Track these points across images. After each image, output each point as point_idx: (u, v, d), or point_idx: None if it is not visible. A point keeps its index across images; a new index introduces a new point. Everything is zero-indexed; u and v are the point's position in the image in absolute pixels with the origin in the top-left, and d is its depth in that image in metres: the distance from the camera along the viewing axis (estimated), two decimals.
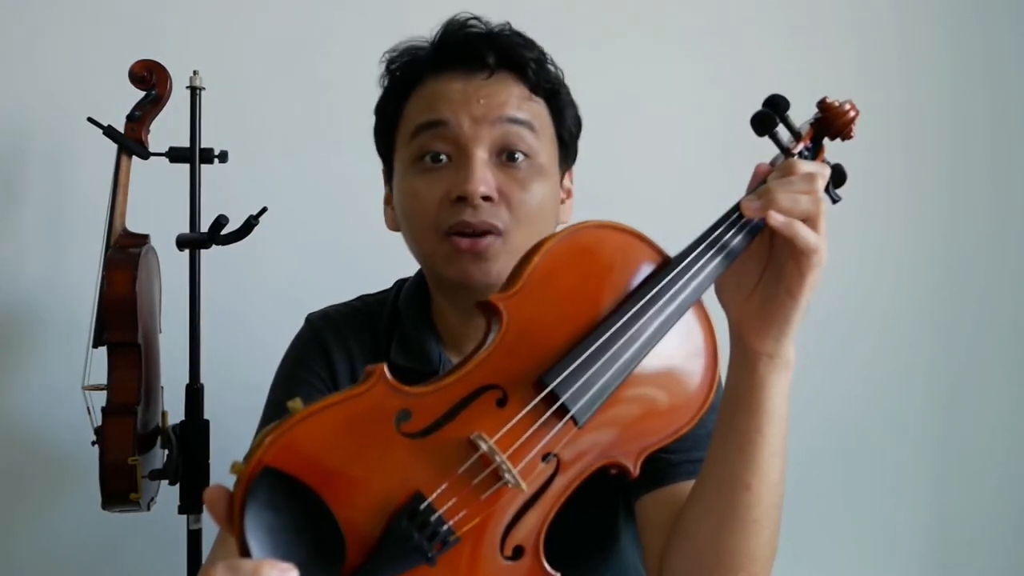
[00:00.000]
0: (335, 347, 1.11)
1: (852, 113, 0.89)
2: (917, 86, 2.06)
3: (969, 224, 2.10)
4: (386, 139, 1.09)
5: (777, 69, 1.95)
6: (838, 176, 0.90)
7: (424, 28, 1.08)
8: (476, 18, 1.06)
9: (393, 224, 1.11)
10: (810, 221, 0.79)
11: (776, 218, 0.78)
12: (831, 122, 0.89)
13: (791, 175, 0.82)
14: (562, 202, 1.10)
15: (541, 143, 1.03)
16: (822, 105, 0.89)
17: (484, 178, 0.98)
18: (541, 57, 1.05)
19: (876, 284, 2.05)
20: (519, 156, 1.01)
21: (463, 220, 0.98)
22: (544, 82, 1.05)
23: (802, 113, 0.91)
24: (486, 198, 0.98)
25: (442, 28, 1.05)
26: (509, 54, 1.03)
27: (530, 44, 1.05)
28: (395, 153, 1.07)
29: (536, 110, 1.04)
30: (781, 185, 0.81)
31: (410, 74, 1.06)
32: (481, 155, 0.99)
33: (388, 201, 1.12)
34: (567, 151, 1.10)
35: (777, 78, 1.85)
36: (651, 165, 1.91)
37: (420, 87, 1.05)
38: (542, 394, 0.73)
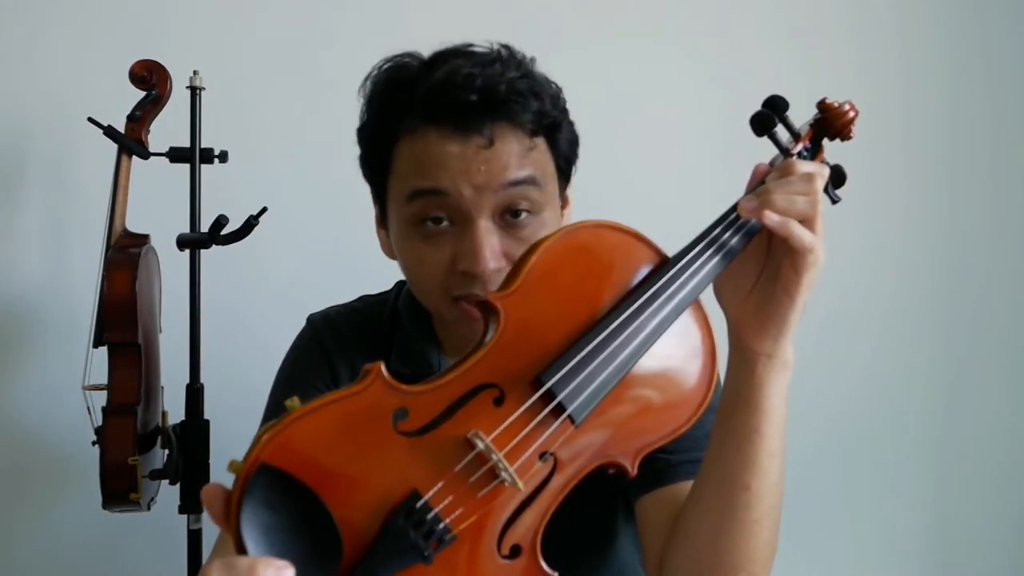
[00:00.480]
0: (336, 348, 1.11)
1: (852, 114, 0.89)
2: (917, 86, 2.06)
3: (969, 224, 2.10)
4: (376, 177, 1.04)
5: (777, 69, 1.95)
6: (837, 177, 0.90)
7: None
8: (470, 59, 0.96)
9: (390, 252, 1.07)
10: (807, 221, 0.79)
11: (771, 218, 0.78)
12: (830, 123, 0.89)
13: (790, 175, 0.82)
14: (560, 217, 1.07)
15: (543, 192, 0.98)
16: (821, 106, 0.89)
17: (492, 252, 0.94)
18: (541, 104, 0.97)
19: (876, 284, 2.05)
20: (523, 213, 0.96)
21: (473, 293, 0.95)
22: (545, 121, 0.98)
23: (802, 113, 0.91)
24: (495, 270, 0.95)
25: (433, 82, 0.94)
26: (509, 118, 0.95)
27: (530, 92, 0.96)
28: (388, 197, 1.02)
29: (537, 158, 0.98)
30: (778, 186, 0.80)
31: (400, 112, 0.97)
32: (485, 224, 0.94)
33: (381, 224, 1.08)
34: (565, 175, 1.06)
35: (777, 78, 1.86)
36: (651, 165, 1.92)
37: (411, 134, 0.96)
38: (539, 392, 0.73)
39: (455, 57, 0.97)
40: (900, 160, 2.05)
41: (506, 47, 1.00)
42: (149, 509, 1.47)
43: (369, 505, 0.65)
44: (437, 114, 0.94)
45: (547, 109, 0.98)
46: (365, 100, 1.03)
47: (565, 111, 1.03)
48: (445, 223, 0.96)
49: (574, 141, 1.05)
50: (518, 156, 0.95)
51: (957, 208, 2.09)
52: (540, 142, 0.98)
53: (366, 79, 1.02)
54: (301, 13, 1.79)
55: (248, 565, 0.59)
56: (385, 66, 1.01)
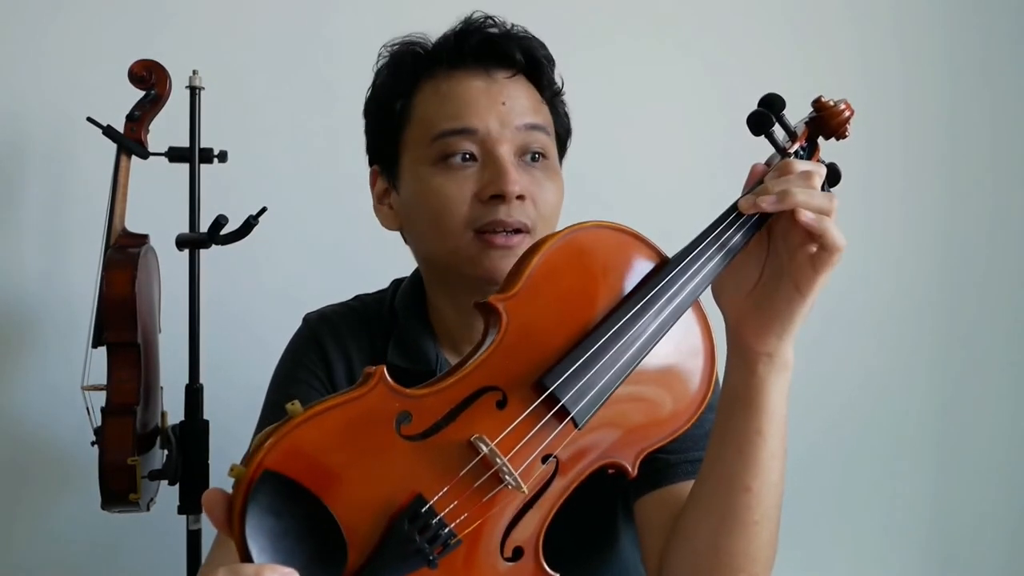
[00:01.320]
0: (332, 347, 1.11)
1: (847, 113, 0.89)
2: (917, 86, 2.06)
3: (969, 224, 2.10)
4: (389, 134, 1.07)
5: (777, 69, 1.95)
6: (833, 176, 0.90)
7: (424, 28, 1.08)
8: (491, 18, 1.06)
9: (393, 223, 1.10)
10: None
11: (806, 215, 0.78)
12: (826, 121, 0.89)
13: (787, 175, 0.82)
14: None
15: (552, 144, 1.06)
16: (817, 104, 0.89)
17: (517, 178, 0.99)
18: (552, 59, 1.08)
19: (876, 284, 2.05)
20: (538, 156, 1.03)
21: (498, 219, 0.99)
22: (551, 85, 1.08)
23: (802, 113, 0.91)
24: (519, 197, 0.99)
25: (462, 23, 1.05)
26: (533, 54, 1.05)
27: (544, 45, 1.07)
28: (403, 150, 1.06)
29: (545, 114, 1.06)
30: (777, 185, 0.81)
31: (420, 66, 1.05)
32: (509, 155, 1.00)
33: (383, 199, 1.11)
34: (563, 147, 1.12)
35: (777, 78, 1.85)
36: (651, 165, 1.91)
37: (432, 82, 1.04)
38: (542, 396, 0.73)
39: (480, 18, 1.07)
40: (900, 160, 2.05)
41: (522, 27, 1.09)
42: (148, 509, 1.47)
43: (373, 509, 0.65)
44: (461, 54, 1.03)
45: (552, 73, 1.08)
46: (379, 68, 1.10)
47: (561, 87, 1.11)
48: (468, 159, 1.01)
49: (568, 116, 1.13)
50: (534, 103, 1.04)
51: (957, 208, 2.09)
52: (546, 107, 1.07)
53: (379, 55, 1.10)
54: (301, 13, 1.78)
55: (254, 572, 0.59)
56: (397, 41, 1.09)
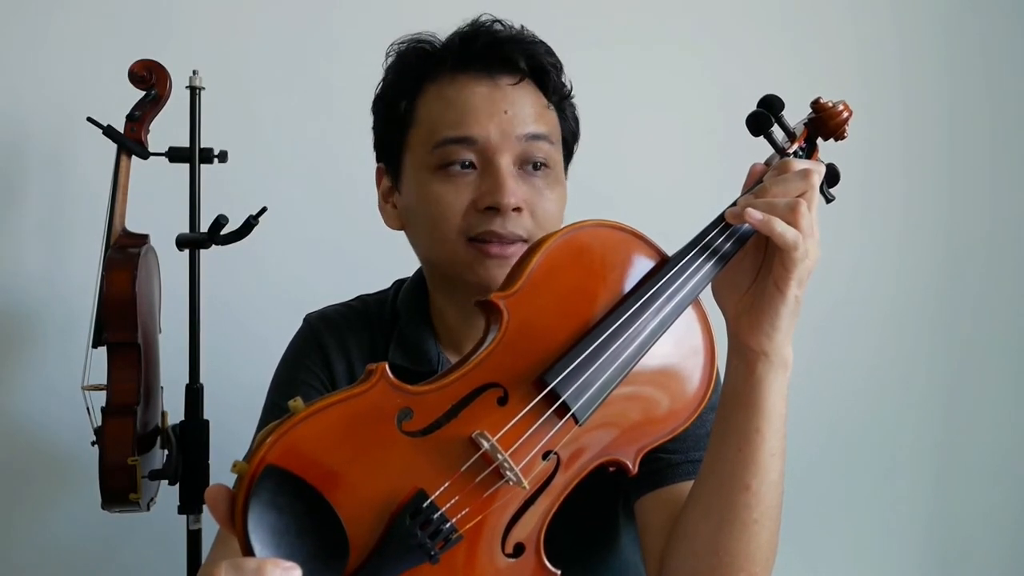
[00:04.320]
0: (333, 347, 1.11)
1: (845, 113, 0.90)
2: (917, 86, 2.06)
3: (969, 224, 2.11)
4: (394, 134, 1.07)
5: (777, 69, 1.95)
6: (832, 176, 0.91)
7: (425, 28, 1.08)
8: (499, 21, 1.05)
9: (396, 223, 1.10)
10: (792, 218, 0.80)
11: (754, 215, 0.80)
12: (825, 122, 0.90)
13: (786, 173, 0.83)
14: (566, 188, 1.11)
15: (556, 151, 1.05)
16: (816, 105, 0.90)
17: (514, 189, 0.98)
18: (560, 64, 1.06)
19: (876, 284, 2.06)
20: (540, 165, 1.02)
21: (492, 230, 0.98)
22: (559, 89, 1.06)
23: (801, 115, 0.92)
24: (515, 209, 0.98)
25: (470, 25, 1.04)
26: (538, 60, 1.03)
27: (552, 50, 1.06)
28: (406, 151, 1.06)
29: (551, 120, 1.05)
30: (775, 183, 0.82)
31: (426, 68, 1.04)
32: (508, 166, 0.99)
33: (388, 198, 1.11)
34: (569, 152, 1.11)
35: (777, 78, 1.86)
36: (651, 165, 1.92)
37: (436, 83, 1.03)
38: (543, 393, 0.73)
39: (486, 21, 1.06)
40: (900, 160, 2.05)
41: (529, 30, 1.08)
42: (149, 509, 1.47)
43: (375, 505, 0.65)
44: (466, 58, 1.02)
45: (560, 78, 1.06)
46: (387, 67, 1.09)
47: (570, 90, 1.09)
48: (468, 167, 1.00)
49: (577, 120, 1.11)
50: (538, 110, 1.03)
51: (957, 208, 2.10)
52: (552, 109, 1.05)
53: (388, 52, 1.09)
54: (301, 13, 1.79)
55: (256, 566, 0.59)
56: (406, 39, 1.07)
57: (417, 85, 1.04)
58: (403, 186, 1.07)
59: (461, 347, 1.07)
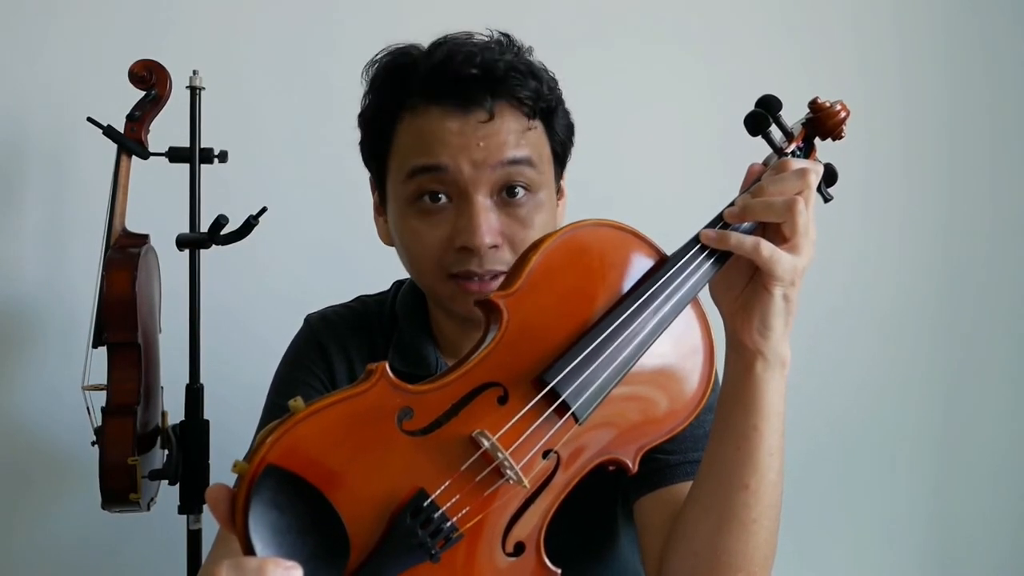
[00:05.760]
0: (333, 348, 1.11)
1: (843, 114, 0.90)
2: (917, 86, 2.06)
3: (969, 224, 2.11)
4: (376, 159, 1.06)
5: (777, 69, 1.95)
6: (829, 175, 0.91)
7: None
8: (470, 41, 1.00)
9: (388, 239, 1.09)
10: (788, 217, 0.80)
11: (708, 235, 0.81)
12: (822, 122, 0.90)
13: (784, 172, 0.83)
14: (556, 204, 1.09)
15: (540, 173, 1.00)
16: (813, 105, 0.90)
17: (489, 228, 0.96)
18: (538, 85, 1.00)
19: (876, 284, 2.06)
20: (519, 191, 0.98)
21: (470, 269, 0.97)
22: (541, 103, 1.01)
23: (799, 115, 0.92)
24: (493, 246, 0.97)
25: (435, 60, 0.98)
26: (507, 94, 0.98)
27: (528, 72, 0.99)
28: (387, 177, 1.04)
29: (534, 138, 1.00)
30: (773, 182, 0.83)
31: (400, 94, 1.00)
32: (483, 201, 0.96)
33: (380, 212, 1.09)
34: (561, 160, 1.08)
35: (777, 78, 1.86)
36: (651, 165, 1.92)
37: (412, 113, 0.99)
38: (543, 392, 0.73)
39: (456, 40, 1.00)
40: (900, 160, 2.06)
41: (505, 35, 1.03)
42: (149, 509, 1.47)
43: (375, 504, 0.65)
44: (438, 91, 0.97)
45: (544, 92, 1.00)
46: (367, 84, 1.05)
47: (561, 98, 1.05)
48: (443, 200, 0.98)
49: (570, 127, 1.07)
50: (516, 135, 0.97)
51: (957, 208, 2.10)
52: (537, 124, 1.01)
53: (368, 65, 1.04)
54: (301, 13, 1.79)
55: (257, 566, 0.59)
56: (388, 52, 1.03)
57: (393, 112, 1.01)
58: (387, 209, 1.06)
59: (459, 352, 1.07)
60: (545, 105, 1.01)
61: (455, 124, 0.96)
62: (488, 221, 0.96)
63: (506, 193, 0.98)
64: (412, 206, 0.99)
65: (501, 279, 0.94)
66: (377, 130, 1.03)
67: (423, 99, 0.98)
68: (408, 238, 1.01)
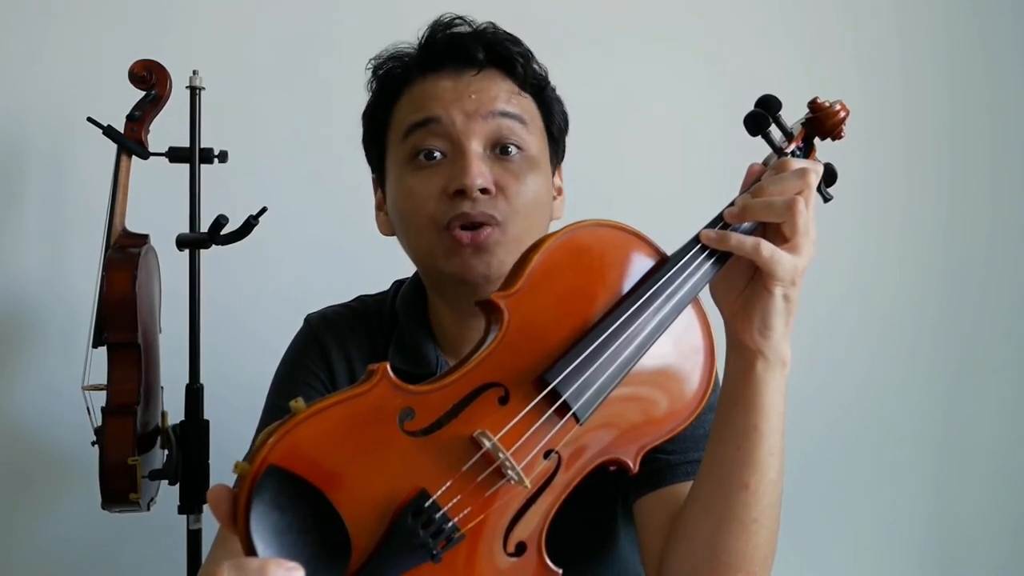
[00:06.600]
0: (333, 348, 1.11)
1: (843, 113, 0.90)
2: (917, 86, 2.06)
3: (969, 224, 2.11)
4: (377, 143, 1.09)
5: (777, 69, 1.95)
6: (829, 175, 0.91)
7: (424, 28, 1.08)
8: (461, 18, 1.06)
9: (387, 229, 1.11)
10: (788, 217, 0.80)
11: (708, 235, 0.82)
12: (822, 122, 0.90)
13: (784, 172, 0.83)
14: (554, 199, 1.10)
15: (532, 136, 1.04)
16: (813, 105, 0.91)
17: (481, 171, 0.98)
18: (528, 53, 1.06)
19: (876, 284, 2.06)
20: (512, 149, 1.01)
21: (462, 212, 0.98)
22: (531, 78, 1.06)
23: (799, 115, 0.92)
24: (484, 191, 0.98)
25: (428, 29, 1.06)
26: (497, 50, 1.04)
27: (516, 40, 1.06)
28: (387, 156, 1.07)
29: (526, 105, 1.05)
30: (772, 182, 0.83)
31: (398, 77, 1.06)
32: (476, 149, 1.00)
33: (380, 207, 1.12)
34: (557, 147, 1.11)
35: (777, 78, 1.86)
36: (651, 165, 1.92)
37: (409, 89, 1.05)
38: (544, 392, 0.73)
39: (449, 14, 1.07)
40: (900, 160, 2.06)
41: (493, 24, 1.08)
42: (149, 509, 1.47)
43: (377, 505, 0.65)
44: (431, 59, 1.04)
45: (532, 67, 1.06)
46: (368, 81, 1.10)
47: (551, 84, 1.10)
48: (438, 155, 1.01)
49: (564, 115, 1.12)
50: (507, 92, 1.03)
51: (957, 208, 2.10)
52: (529, 97, 1.06)
53: (373, 60, 1.10)
54: (301, 13, 1.79)
55: (259, 566, 0.59)
56: (389, 48, 1.09)
57: (394, 95, 1.06)
58: (387, 190, 1.08)
59: (459, 350, 1.07)
60: (536, 81, 1.06)
61: (448, 82, 1.02)
62: (480, 166, 0.99)
63: (500, 150, 1.01)
64: (409, 165, 1.02)
65: (491, 230, 0.98)
66: (379, 115, 1.07)
67: (420, 73, 1.04)
68: (405, 197, 1.03)
